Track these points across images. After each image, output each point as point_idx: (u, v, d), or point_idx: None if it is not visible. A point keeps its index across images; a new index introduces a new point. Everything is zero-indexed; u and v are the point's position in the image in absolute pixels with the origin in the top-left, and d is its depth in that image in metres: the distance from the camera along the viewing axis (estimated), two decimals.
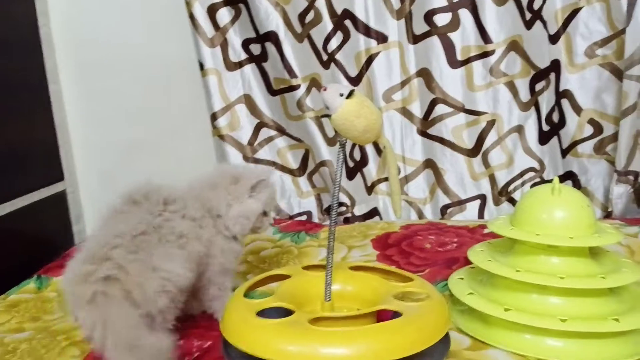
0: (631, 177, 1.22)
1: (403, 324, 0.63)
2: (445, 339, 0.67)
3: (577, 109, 1.26)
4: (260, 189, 0.84)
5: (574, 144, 1.28)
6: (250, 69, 1.36)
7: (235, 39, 1.35)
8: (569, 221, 0.73)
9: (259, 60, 1.35)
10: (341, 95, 0.64)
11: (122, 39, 1.44)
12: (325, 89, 0.65)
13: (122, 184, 0.81)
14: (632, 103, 1.17)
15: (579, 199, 0.75)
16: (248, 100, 1.37)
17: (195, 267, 0.76)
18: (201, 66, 1.35)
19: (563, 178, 1.28)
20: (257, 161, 1.39)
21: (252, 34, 1.33)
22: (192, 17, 1.32)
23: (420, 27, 1.26)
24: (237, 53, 1.36)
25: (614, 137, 1.23)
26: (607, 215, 1.25)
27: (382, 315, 0.70)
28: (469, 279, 0.82)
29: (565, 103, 1.27)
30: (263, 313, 0.67)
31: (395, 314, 0.67)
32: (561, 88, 1.26)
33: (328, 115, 0.65)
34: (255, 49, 1.34)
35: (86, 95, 1.49)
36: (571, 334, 0.70)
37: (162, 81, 1.45)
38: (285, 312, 0.67)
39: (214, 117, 1.37)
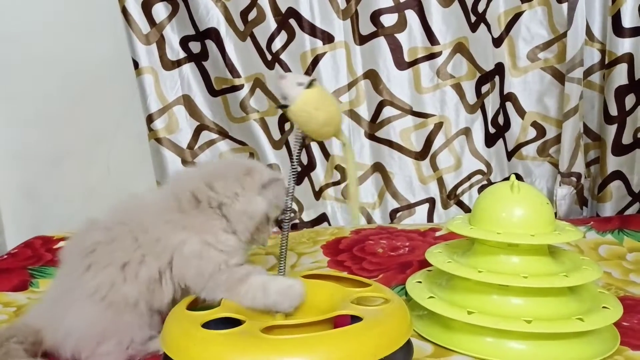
0: (574, 179, 1.23)
1: (365, 329, 0.57)
2: (408, 345, 0.62)
3: (521, 112, 1.28)
4: (272, 189, 0.70)
5: (519, 146, 1.29)
6: (189, 68, 1.28)
7: (172, 36, 1.27)
8: (529, 219, 0.71)
9: (198, 59, 1.28)
10: (300, 84, 0.59)
11: (45, 35, 1.33)
12: (282, 77, 0.60)
13: (47, 196, 0.72)
14: (574, 105, 1.19)
15: (538, 196, 0.73)
16: (187, 101, 1.29)
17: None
18: (135, 65, 1.26)
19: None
20: None
21: (191, 31, 1.26)
22: (125, 12, 1.24)
23: (366, 27, 1.23)
24: (174, 51, 1.28)
25: (557, 139, 1.25)
26: None
27: (340, 322, 0.65)
28: (427, 282, 0.79)
29: (509, 106, 1.28)
30: (209, 325, 0.60)
31: (354, 320, 0.62)
32: (505, 91, 1.27)
33: (285, 106, 0.60)
34: (195, 47, 1.27)
35: (3, 100, 1.36)
36: (534, 336, 0.67)
37: (92, 82, 1.35)
38: (234, 324, 0.60)
39: (150, 119, 1.28)
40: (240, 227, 0.69)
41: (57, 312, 0.67)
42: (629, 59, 1.16)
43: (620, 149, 1.21)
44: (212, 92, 1.28)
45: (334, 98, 0.62)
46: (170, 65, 1.28)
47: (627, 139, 1.21)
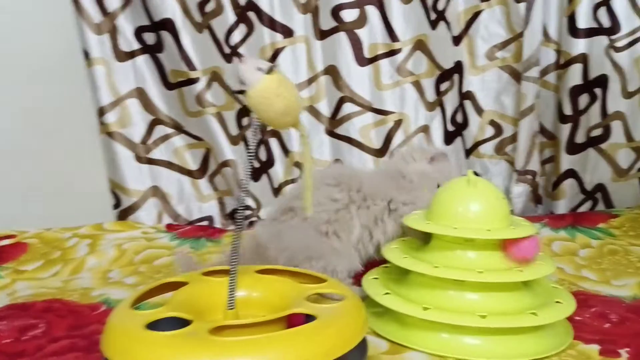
0: (530, 177, 1.25)
1: (318, 328, 0.55)
2: (363, 344, 0.61)
3: (479, 110, 1.29)
4: (439, 161, 0.90)
5: (477, 144, 1.30)
6: (143, 60, 1.23)
7: (126, 26, 1.22)
8: (485, 214, 0.70)
9: (153, 51, 1.23)
10: (259, 69, 0.57)
11: None
12: (241, 61, 0.57)
13: None
14: (530, 104, 1.21)
15: (494, 191, 0.73)
16: (141, 94, 1.24)
17: None
18: (86, 55, 1.21)
19: None
20: (152, 162, 1.26)
21: (146, 22, 1.21)
22: (75, 0, 1.18)
23: (327, 22, 1.22)
24: (128, 42, 1.23)
25: (513, 137, 1.26)
26: None
27: (294, 321, 0.62)
28: (384, 278, 0.77)
29: (467, 104, 1.29)
30: (154, 326, 0.57)
31: (308, 318, 0.60)
32: (464, 89, 1.28)
33: (242, 91, 0.57)
34: (149, 38, 1.22)
35: None
36: (489, 331, 0.67)
37: (38, 73, 1.27)
38: (182, 324, 0.57)
39: (101, 112, 1.22)
40: (415, 179, 0.89)
41: (280, 228, 0.84)
42: (583, 59, 1.18)
43: (573, 148, 1.23)
44: (167, 85, 1.24)
45: (295, 86, 0.59)
46: (123, 56, 1.23)
47: (580, 138, 1.23)
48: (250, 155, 0.59)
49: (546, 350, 0.66)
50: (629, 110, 1.23)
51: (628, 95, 1.22)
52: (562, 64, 1.21)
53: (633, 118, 1.23)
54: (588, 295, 0.83)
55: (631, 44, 1.19)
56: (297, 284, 0.67)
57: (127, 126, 1.24)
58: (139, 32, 1.22)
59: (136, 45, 1.23)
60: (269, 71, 0.56)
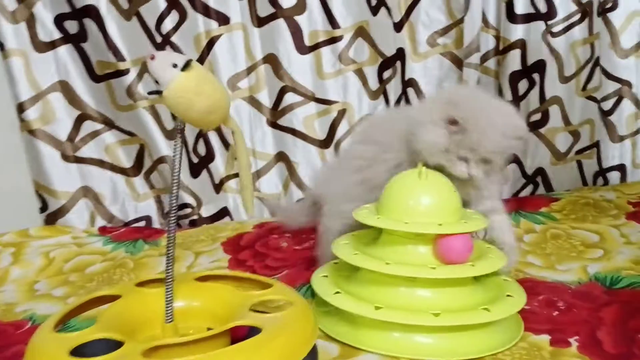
0: None
1: (263, 342, 0.51)
2: (313, 352, 0.57)
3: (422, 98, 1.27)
4: (459, 130, 0.68)
5: None
6: (65, 51, 1.14)
7: (45, 14, 1.12)
8: (436, 207, 0.68)
9: (76, 40, 1.14)
10: (175, 66, 0.51)
11: None
12: (153, 58, 0.52)
13: None
14: None
15: (446, 183, 0.71)
16: (65, 88, 1.15)
17: None
18: (1, 46, 1.10)
19: None
20: (81, 160, 1.17)
21: (67, 9, 1.12)
22: None
23: (264, 8, 1.16)
24: (48, 31, 1.13)
25: None
26: None
27: (238, 333, 0.58)
28: (333, 275, 0.74)
29: (410, 92, 1.27)
30: (83, 350, 0.51)
31: (253, 330, 0.56)
32: (407, 77, 1.26)
33: (158, 92, 0.52)
34: (72, 26, 1.13)
35: None
36: (441, 329, 0.65)
37: None
38: (114, 345, 0.52)
39: (20, 108, 1.12)
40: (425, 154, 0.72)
41: (330, 176, 0.92)
42: (521, 45, 1.19)
43: None
44: (94, 77, 1.15)
45: (218, 80, 0.54)
46: (43, 47, 1.12)
47: None
48: (175, 165, 0.54)
49: (499, 345, 0.65)
50: (566, 95, 1.25)
51: (564, 80, 1.24)
52: (502, 50, 1.21)
53: (569, 102, 1.25)
54: (535, 282, 0.83)
55: (567, 29, 1.20)
56: (240, 291, 0.63)
57: (50, 123, 1.14)
58: (59, 20, 1.12)
59: (57, 35, 1.13)
60: (185, 67, 0.51)
